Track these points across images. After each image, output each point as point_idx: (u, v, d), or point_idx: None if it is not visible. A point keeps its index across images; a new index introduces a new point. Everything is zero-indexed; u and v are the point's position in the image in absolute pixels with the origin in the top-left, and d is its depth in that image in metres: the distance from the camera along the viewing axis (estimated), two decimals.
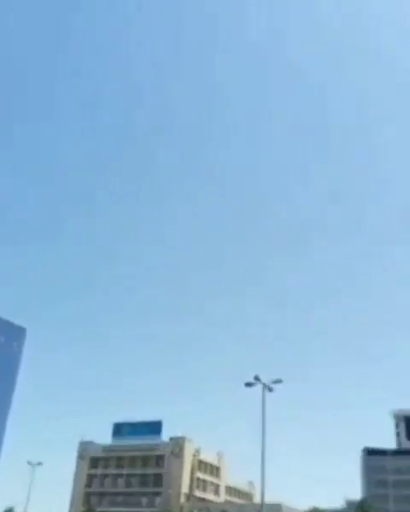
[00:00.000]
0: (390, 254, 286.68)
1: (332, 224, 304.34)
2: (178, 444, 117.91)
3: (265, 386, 44.04)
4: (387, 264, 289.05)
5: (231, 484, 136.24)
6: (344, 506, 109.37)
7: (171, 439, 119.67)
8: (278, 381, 44.53)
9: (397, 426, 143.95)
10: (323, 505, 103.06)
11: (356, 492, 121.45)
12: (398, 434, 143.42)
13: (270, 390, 44.17)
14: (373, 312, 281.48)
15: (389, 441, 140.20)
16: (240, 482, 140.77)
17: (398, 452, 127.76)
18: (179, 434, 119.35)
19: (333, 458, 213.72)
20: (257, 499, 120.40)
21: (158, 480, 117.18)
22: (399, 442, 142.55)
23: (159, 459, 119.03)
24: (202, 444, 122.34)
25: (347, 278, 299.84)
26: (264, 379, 44.24)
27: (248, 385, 44.14)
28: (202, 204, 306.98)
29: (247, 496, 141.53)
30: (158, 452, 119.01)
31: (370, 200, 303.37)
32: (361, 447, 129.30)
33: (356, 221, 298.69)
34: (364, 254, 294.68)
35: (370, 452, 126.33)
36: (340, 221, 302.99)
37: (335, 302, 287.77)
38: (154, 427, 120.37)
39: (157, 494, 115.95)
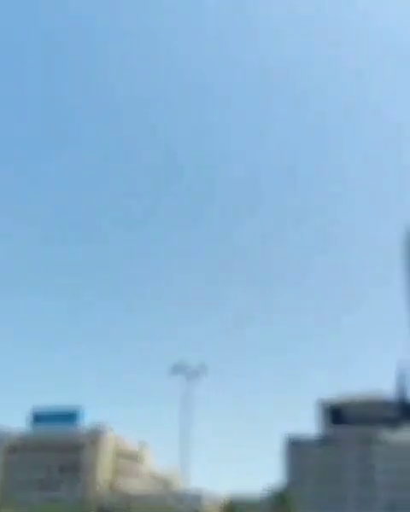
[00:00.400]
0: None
1: None
2: (97, 431, 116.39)
3: (190, 373, 42.33)
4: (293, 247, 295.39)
5: (153, 471, 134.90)
6: (265, 492, 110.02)
7: (90, 426, 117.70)
8: (204, 369, 43.04)
9: (319, 414, 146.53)
10: (245, 491, 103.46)
11: (278, 479, 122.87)
12: (320, 423, 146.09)
13: (195, 378, 42.52)
14: (299, 303, 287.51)
15: (312, 429, 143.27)
16: (161, 470, 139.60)
17: (319, 440, 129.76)
18: (101, 422, 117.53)
19: (257, 446, 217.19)
20: (179, 486, 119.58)
21: (77, 467, 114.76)
22: (321, 430, 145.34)
23: (78, 447, 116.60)
24: (126, 431, 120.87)
25: (262, 267, 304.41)
26: (191, 367, 42.41)
27: (175, 372, 42.82)
28: None
29: (169, 483, 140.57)
30: (77, 440, 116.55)
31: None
32: (285, 435, 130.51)
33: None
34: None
35: (292, 440, 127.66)
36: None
37: (256, 290, 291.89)
38: (73, 415, 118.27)
39: (76, 482, 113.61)
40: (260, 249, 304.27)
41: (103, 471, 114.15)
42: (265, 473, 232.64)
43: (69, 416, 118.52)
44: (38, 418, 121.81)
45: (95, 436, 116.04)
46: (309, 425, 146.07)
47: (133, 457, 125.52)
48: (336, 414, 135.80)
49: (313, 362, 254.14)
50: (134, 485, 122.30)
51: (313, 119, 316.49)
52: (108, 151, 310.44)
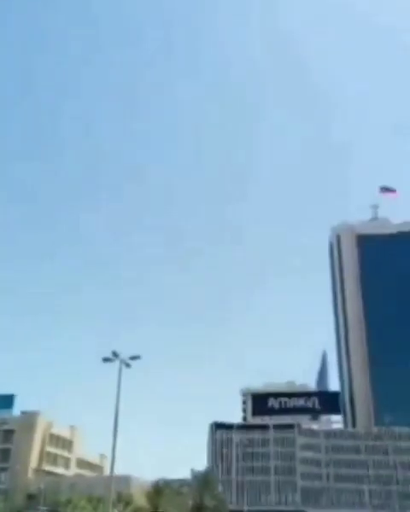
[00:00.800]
0: None
1: None
2: (28, 418, 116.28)
3: (122, 361, 44.65)
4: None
5: (83, 457, 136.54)
6: (190, 477, 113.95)
7: (22, 413, 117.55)
8: (136, 358, 45.28)
9: (244, 402, 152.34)
10: (172, 476, 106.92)
11: (203, 464, 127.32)
12: (245, 410, 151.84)
13: (127, 366, 44.87)
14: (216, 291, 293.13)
15: (238, 416, 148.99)
16: (91, 455, 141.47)
17: (243, 427, 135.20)
18: (33, 409, 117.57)
19: (185, 432, 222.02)
20: (108, 472, 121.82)
21: (6, 455, 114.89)
22: (245, 417, 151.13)
23: (8, 434, 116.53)
24: (58, 418, 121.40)
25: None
26: (123, 355, 44.83)
27: (106, 360, 44.39)
28: None
29: (98, 469, 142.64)
30: (7, 427, 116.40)
31: None
32: (211, 422, 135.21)
33: None
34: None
35: (218, 426, 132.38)
36: None
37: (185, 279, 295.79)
38: (4, 401, 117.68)
39: (4, 469, 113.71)
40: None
41: (34, 457, 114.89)
42: (193, 458, 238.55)
43: (3, 402, 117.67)
44: None
45: (26, 422, 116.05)
46: (236, 413, 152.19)
47: (64, 443, 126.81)
48: (261, 403, 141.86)
49: (241, 351, 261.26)
50: (63, 471, 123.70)
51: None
52: None
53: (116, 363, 44.40)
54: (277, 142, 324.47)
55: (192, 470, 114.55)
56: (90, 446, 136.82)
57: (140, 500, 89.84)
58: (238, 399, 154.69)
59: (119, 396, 44.27)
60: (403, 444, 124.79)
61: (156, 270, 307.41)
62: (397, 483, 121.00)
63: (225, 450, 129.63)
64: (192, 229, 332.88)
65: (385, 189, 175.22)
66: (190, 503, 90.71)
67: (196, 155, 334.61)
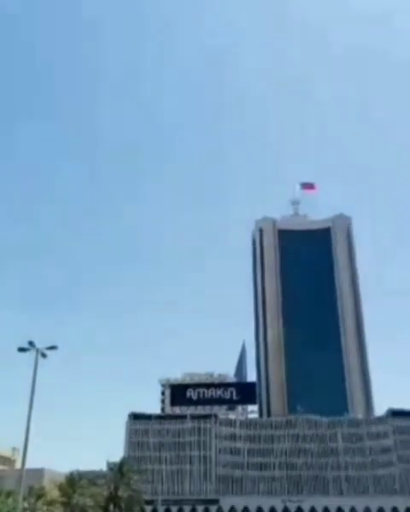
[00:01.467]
0: None
1: None
2: None
3: (38, 351, 43.24)
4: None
5: None
6: (106, 468, 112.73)
7: None
8: (53, 348, 43.95)
9: (163, 393, 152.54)
10: (89, 468, 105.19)
11: (121, 455, 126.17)
12: (163, 401, 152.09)
13: (44, 356, 43.48)
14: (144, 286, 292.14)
15: (156, 407, 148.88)
16: (2, 448, 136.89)
17: (161, 417, 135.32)
18: None
19: (103, 423, 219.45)
20: (19, 465, 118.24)
21: None
22: (164, 408, 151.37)
23: None
24: None
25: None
26: (39, 345, 43.40)
27: (22, 350, 42.88)
28: None
29: (9, 462, 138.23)
30: None
31: None
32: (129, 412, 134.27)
33: None
34: None
35: (135, 417, 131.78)
36: None
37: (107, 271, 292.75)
38: None
39: None
40: None
41: None
42: (111, 450, 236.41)
43: None
44: None
45: None
46: (155, 404, 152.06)
47: None
48: (179, 393, 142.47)
49: (157, 342, 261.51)
50: None
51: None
52: None
53: (33, 353, 42.78)
54: (188, 134, 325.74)
55: (108, 461, 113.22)
56: (3, 439, 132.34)
57: (53, 493, 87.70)
58: (158, 390, 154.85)
59: (34, 387, 42.73)
60: (315, 431, 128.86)
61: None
62: (308, 469, 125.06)
63: (142, 441, 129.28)
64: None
65: (306, 185, 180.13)
66: (105, 493, 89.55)
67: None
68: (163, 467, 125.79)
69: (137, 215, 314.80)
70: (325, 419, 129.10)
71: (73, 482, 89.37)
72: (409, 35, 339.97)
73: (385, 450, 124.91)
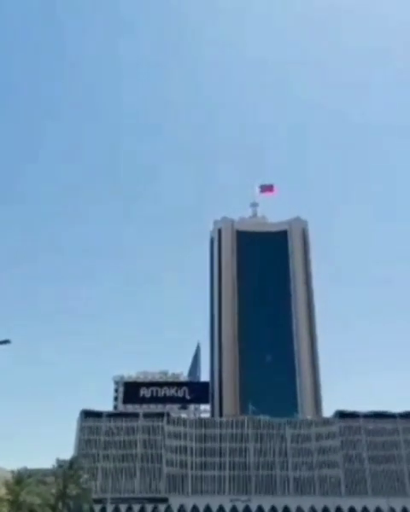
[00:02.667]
0: None
1: None
2: None
3: None
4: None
5: None
6: (55, 466, 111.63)
7: None
8: (6, 342, 43.32)
9: (116, 390, 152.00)
10: (36, 466, 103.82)
11: (70, 453, 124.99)
12: (116, 398, 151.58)
13: None
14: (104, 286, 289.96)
15: (109, 405, 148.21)
16: None
17: (112, 415, 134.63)
18: None
19: (54, 421, 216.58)
20: None
21: None
22: (116, 406, 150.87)
23: None
24: None
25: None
26: None
27: None
28: None
29: None
30: None
31: None
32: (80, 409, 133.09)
33: None
34: None
35: (87, 414, 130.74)
36: None
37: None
38: None
39: None
40: None
41: None
42: (62, 448, 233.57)
43: None
44: None
45: None
46: (108, 402, 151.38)
47: None
48: (132, 391, 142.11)
49: (114, 341, 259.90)
50: None
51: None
52: None
53: None
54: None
55: (57, 459, 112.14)
56: None
57: (0, 491, 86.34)
58: (111, 388, 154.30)
59: None
60: (264, 431, 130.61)
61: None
62: (256, 469, 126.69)
63: (93, 438, 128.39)
64: None
65: (265, 187, 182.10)
66: (54, 492, 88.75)
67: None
68: (113, 465, 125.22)
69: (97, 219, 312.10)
70: (274, 419, 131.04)
71: (21, 480, 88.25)
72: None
73: (331, 451, 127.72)
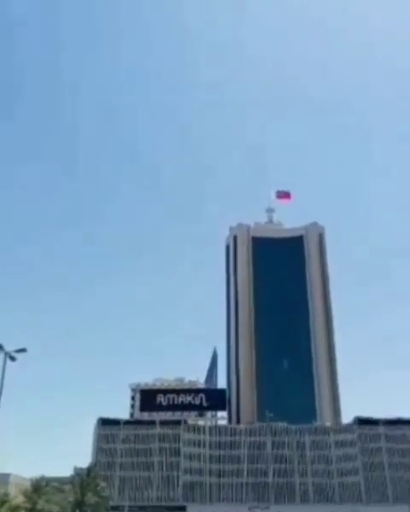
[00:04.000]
0: None
1: None
2: None
3: (7, 354, 43.05)
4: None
5: None
6: (73, 474, 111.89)
7: None
8: (22, 350, 43.85)
9: (133, 398, 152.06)
10: (54, 474, 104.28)
11: (87, 461, 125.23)
12: (133, 406, 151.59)
13: (12, 359, 43.30)
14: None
15: (126, 412, 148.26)
16: None
17: (129, 422, 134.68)
18: None
19: (71, 429, 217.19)
20: None
21: None
22: (133, 413, 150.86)
23: None
24: None
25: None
26: (8, 347, 43.22)
27: None
28: None
29: None
30: None
31: None
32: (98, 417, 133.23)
33: None
34: None
35: (104, 422, 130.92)
36: None
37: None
38: None
39: None
40: None
41: None
42: (79, 456, 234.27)
43: None
44: None
45: None
46: (125, 409, 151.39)
47: None
48: (149, 399, 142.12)
49: (130, 348, 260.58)
50: None
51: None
52: None
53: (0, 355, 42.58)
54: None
55: (75, 467, 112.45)
56: None
57: (18, 499, 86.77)
58: (127, 395, 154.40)
59: (0, 390, 42.47)
60: (282, 438, 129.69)
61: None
62: (275, 476, 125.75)
63: (110, 446, 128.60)
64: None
65: (281, 194, 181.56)
66: (71, 500, 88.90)
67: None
68: (131, 473, 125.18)
69: (116, 220, 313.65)
70: (292, 426, 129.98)
71: (39, 488, 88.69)
72: None
73: (351, 458, 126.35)
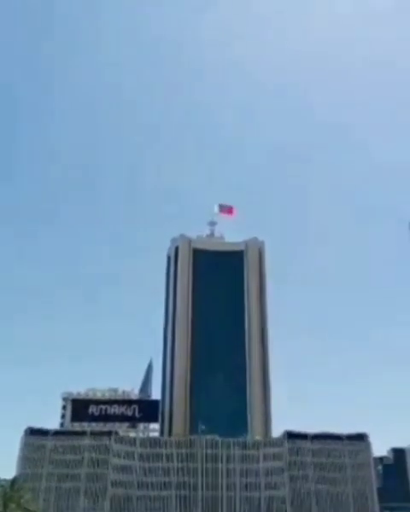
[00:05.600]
0: None
1: None
2: None
3: None
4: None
5: None
6: None
7: None
8: None
9: (64, 408, 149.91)
10: None
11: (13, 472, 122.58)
12: (63, 416, 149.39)
13: None
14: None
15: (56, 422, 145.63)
16: None
17: (58, 433, 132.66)
18: None
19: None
20: None
21: None
22: (63, 423, 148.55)
23: None
24: None
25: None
26: None
27: None
28: None
29: None
30: None
31: None
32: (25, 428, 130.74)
33: None
34: None
35: (32, 432, 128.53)
36: None
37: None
38: None
39: None
40: None
41: None
42: (4, 468, 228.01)
43: None
44: None
45: None
46: (55, 419, 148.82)
47: None
48: (80, 409, 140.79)
49: (63, 355, 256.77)
50: None
51: None
52: None
53: None
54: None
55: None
56: None
57: None
58: (59, 404, 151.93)
59: None
60: (212, 451, 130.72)
61: None
62: (202, 489, 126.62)
63: (37, 457, 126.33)
64: None
65: (224, 208, 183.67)
66: None
67: None
68: (58, 484, 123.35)
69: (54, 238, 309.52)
70: (223, 439, 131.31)
71: None
72: None
73: (278, 472, 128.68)
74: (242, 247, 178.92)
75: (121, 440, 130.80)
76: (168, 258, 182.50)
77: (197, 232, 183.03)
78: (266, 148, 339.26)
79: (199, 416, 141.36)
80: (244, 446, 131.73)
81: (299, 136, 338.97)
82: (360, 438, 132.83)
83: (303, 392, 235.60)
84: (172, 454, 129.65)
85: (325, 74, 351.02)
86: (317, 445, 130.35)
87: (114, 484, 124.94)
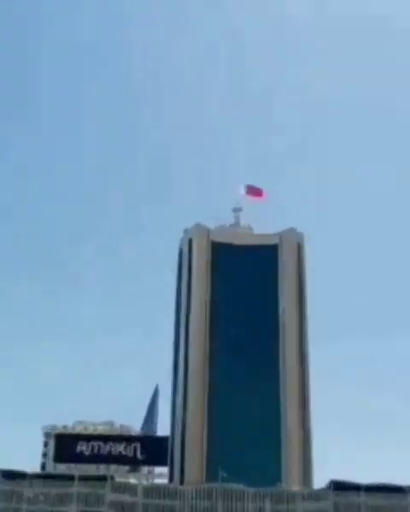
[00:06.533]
0: None
1: None
2: None
3: None
4: None
5: None
6: None
7: None
8: None
9: (46, 444, 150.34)
10: None
11: None
12: (45, 455, 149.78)
13: None
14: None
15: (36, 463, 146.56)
16: None
17: (39, 476, 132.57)
18: None
19: None
20: None
21: None
22: (44, 464, 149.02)
23: None
24: None
25: None
26: None
27: None
28: None
29: None
30: None
31: None
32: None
33: None
34: None
35: (6, 475, 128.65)
36: None
37: None
38: None
39: None
40: None
41: None
42: None
43: None
44: None
45: None
46: (34, 458, 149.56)
47: None
48: (67, 446, 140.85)
49: (46, 380, 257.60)
50: None
51: None
52: None
53: None
54: None
55: None
56: None
57: None
58: (39, 440, 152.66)
59: None
60: (237, 504, 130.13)
61: None
62: None
63: (13, 507, 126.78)
64: None
65: (252, 190, 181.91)
66: None
67: None
68: None
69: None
70: (250, 489, 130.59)
71: None
72: None
73: None
74: (275, 241, 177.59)
75: (119, 488, 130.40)
76: (180, 253, 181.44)
77: (218, 221, 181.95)
78: None
79: (219, 459, 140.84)
80: (278, 499, 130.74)
81: None
82: None
83: (353, 433, 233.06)
84: (184, 507, 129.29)
85: None
86: (372, 499, 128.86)
87: None
